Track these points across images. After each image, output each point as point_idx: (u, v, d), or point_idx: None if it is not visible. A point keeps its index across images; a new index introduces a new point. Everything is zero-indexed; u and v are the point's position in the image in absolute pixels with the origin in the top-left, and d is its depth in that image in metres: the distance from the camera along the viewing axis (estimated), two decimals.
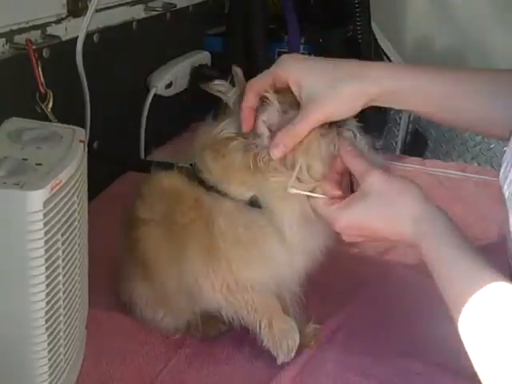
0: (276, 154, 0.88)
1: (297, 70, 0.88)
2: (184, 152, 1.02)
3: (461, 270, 0.71)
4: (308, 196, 0.90)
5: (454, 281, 0.71)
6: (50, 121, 1.12)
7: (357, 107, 0.87)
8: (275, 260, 0.96)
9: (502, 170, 0.75)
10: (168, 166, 1.02)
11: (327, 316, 1.13)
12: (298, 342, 1.01)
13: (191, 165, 0.98)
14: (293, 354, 1.01)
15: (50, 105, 1.14)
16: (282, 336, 1.00)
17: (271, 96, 0.89)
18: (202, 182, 0.95)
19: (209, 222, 0.94)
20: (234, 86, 0.95)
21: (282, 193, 0.90)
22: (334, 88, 0.85)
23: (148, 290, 1.04)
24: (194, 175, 0.96)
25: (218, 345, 1.08)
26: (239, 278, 0.96)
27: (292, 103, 0.90)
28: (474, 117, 0.86)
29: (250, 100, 0.90)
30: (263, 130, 0.90)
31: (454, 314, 0.70)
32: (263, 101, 0.90)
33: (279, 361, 1.01)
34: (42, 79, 1.13)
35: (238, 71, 0.95)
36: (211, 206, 0.94)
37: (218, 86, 0.96)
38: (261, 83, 0.90)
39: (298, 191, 0.89)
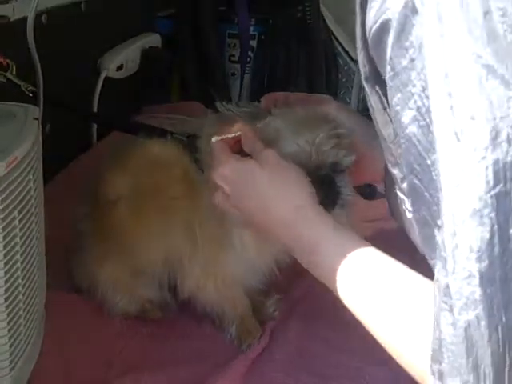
0: None
1: None
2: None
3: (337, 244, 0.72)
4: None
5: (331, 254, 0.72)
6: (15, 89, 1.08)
7: None
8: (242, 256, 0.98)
9: None
10: (161, 133, 1.00)
11: (289, 286, 1.15)
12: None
13: (187, 137, 0.97)
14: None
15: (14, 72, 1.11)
16: (247, 335, 1.04)
17: None
18: (196, 160, 0.95)
19: (195, 198, 0.94)
20: None
21: None
22: None
23: (114, 273, 1.04)
24: (190, 150, 0.96)
25: (179, 322, 1.09)
26: (220, 266, 0.98)
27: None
28: None
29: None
30: None
31: (333, 282, 0.70)
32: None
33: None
34: None
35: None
36: (200, 183, 0.94)
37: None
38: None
39: (218, 138, 0.87)
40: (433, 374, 0.52)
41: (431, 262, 0.58)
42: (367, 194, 1.03)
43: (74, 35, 1.48)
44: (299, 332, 1.06)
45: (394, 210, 0.73)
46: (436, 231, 0.55)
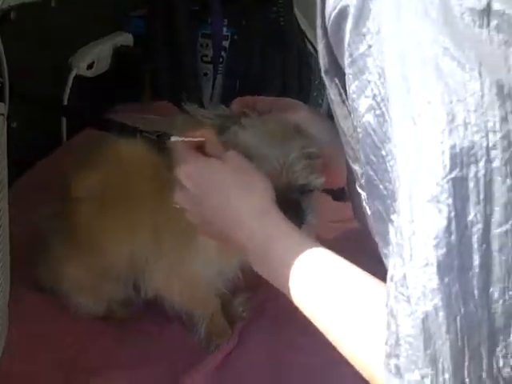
0: None
1: None
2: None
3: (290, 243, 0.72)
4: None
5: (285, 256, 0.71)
6: None
7: None
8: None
9: None
10: (131, 132, 0.99)
11: (259, 285, 1.14)
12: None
13: (158, 136, 0.96)
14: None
15: None
16: (216, 336, 1.04)
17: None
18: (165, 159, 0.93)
19: (162, 198, 0.93)
20: None
21: None
22: None
23: (79, 272, 1.02)
24: (159, 149, 0.94)
25: (146, 322, 1.08)
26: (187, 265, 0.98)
27: None
28: None
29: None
30: None
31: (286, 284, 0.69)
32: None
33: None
34: None
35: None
36: (167, 183, 0.91)
37: None
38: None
39: (178, 138, 0.87)
40: (389, 370, 0.51)
41: (385, 260, 0.57)
42: (337, 195, 1.03)
43: (43, 32, 1.47)
44: (268, 332, 1.06)
45: (357, 210, 0.73)
46: (390, 226, 0.54)
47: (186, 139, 0.85)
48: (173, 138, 0.86)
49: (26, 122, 1.41)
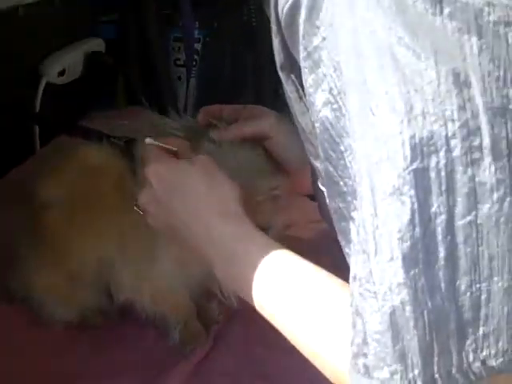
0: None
1: None
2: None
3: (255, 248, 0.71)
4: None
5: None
6: None
7: None
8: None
9: None
10: (98, 137, 0.98)
11: None
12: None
13: (125, 142, 0.95)
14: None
15: None
16: (191, 339, 1.03)
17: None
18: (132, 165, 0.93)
19: (128, 205, 0.91)
20: None
21: None
22: None
23: (50, 281, 1.01)
24: (126, 155, 0.94)
25: (120, 328, 1.06)
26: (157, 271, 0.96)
27: None
28: None
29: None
30: None
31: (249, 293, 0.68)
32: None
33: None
34: None
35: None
36: (133, 189, 0.91)
37: None
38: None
39: (153, 142, 0.86)
40: (357, 371, 0.50)
41: (348, 259, 0.56)
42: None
43: (12, 40, 1.45)
44: (243, 335, 1.05)
45: (322, 208, 0.72)
46: (351, 224, 0.53)
47: (158, 143, 0.85)
48: (147, 140, 0.86)
49: None
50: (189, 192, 0.78)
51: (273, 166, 0.93)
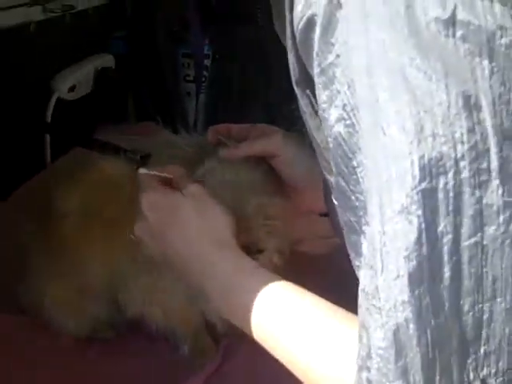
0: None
1: None
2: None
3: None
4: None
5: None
6: None
7: None
8: None
9: None
10: (115, 151, 0.99)
11: None
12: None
13: (141, 157, 0.96)
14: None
15: None
16: (201, 354, 1.03)
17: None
18: None
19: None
20: None
21: None
22: None
23: (61, 293, 1.02)
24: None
25: (130, 341, 1.06)
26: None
27: None
28: None
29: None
30: None
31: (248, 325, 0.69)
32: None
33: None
34: None
35: None
36: None
37: None
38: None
39: (147, 171, 0.86)
40: None
41: (357, 272, 0.57)
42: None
43: (23, 56, 1.47)
44: (253, 349, 1.04)
45: (334, 222, 0.72)
46: (362, 238, 0.53)
47: (153, 173, 0.85)
48: (141, 171, 0.86)
49: (9, 145, 1.41)
50: (181, 225, 0.79)
51: (275, 184, 0.93)
